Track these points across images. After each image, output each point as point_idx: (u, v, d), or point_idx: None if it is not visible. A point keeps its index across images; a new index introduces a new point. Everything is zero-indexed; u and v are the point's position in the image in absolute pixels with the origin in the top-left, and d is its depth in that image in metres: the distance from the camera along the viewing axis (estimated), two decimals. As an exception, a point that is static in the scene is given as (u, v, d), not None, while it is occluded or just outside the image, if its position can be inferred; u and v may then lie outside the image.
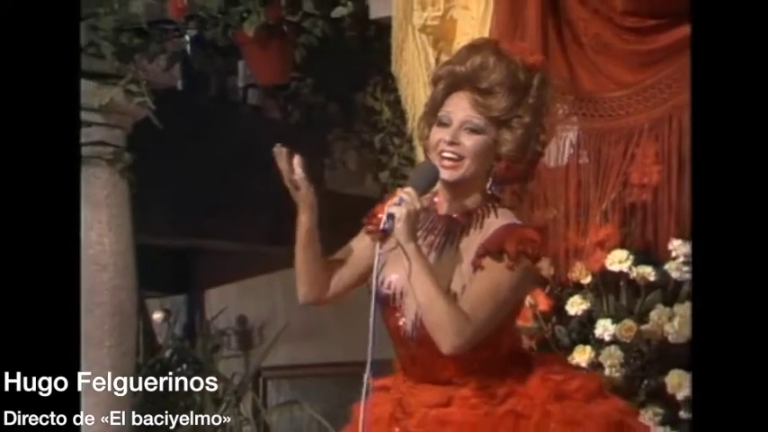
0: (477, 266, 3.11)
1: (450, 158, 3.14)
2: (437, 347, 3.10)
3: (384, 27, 4.94)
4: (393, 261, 3.14)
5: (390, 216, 3.02)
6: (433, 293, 3.05)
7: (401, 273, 3.13)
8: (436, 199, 3.25)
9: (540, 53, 3.48)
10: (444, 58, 4.57)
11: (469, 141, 3.15)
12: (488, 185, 3.19)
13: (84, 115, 5.83)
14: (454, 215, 3.21)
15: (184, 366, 6.99)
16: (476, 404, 3.16)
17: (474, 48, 3.28)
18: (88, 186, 5.88)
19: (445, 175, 3.15)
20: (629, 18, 4.36)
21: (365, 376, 3.10)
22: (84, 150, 5.84)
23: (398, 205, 3.03)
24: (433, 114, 3.21)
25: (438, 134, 3.17)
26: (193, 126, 6.34)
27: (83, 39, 5.68)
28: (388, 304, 3.21)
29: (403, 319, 3.20)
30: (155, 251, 6.73)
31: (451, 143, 3.14)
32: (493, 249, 3.10)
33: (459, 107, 3.16)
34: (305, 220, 3.30)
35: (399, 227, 3.02)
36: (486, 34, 4.42)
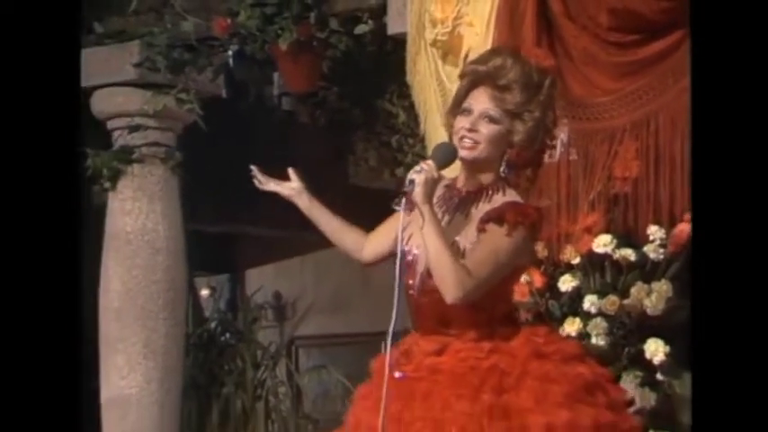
0: (480, 230, 3.17)
1: (468, 142, 3.20)
2: (439, 300, 3.14)
3: (400, 42, 4.91)
4: (417, 231, 3.17)
5: (411, 181, 3.09)
6: (441, 249, 3.09)
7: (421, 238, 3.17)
8: (458, 179, 3.31)
9: (553, 59, 3.49)
10: (449, 67, 4.58)
11: (486, 129, 3.20)
12: (502, 169, 3.24)
13: (140, 120, 5.87)
14: (469, 189, 3.26)
15: (227, 335, 7.01)
16: (464, 357, 3.18)
17: (496, 51, 3.41)
18: (144, 181, 5.90)
19: (463, 153, 3.21)
20: (612, 34, 4.32)
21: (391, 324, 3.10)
22: (142, 150, 5.87)
23: (419, 173, 3.10)
24: (457, 106, 3.27)
25: (461, 122, 3.23)
26: (235, 129, 6.34)
27: (140, 55, 5.71)
28: (406, 264, 3.24)
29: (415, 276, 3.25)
30: (202, 236, 6.73)
31: (470, 130, 3.20)
32: (495, 216, 3.15)
33: (480, 100, 3.22)
34: (301, 205, 3.47)
35: (418, 190, 3.08)
36: (488, 48, 4.39)
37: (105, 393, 5.83)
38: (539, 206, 3.45)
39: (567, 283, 4.28)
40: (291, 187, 3.48)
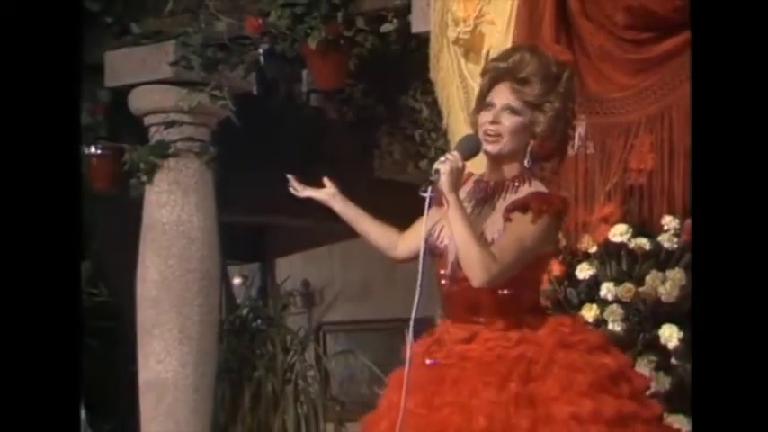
0: (506, 219, 3.16)
1: (491, 135, 3.19)
2: (469, 289, 3.14)
3: (423, 40, 4.89)
4: (448, 224, 3.18)
5: (437, 171, 3.09)
6: (467, 235, 3.09)
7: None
8: (485, 173, 3.30)
9: (570, 54, 3.48)
10: (471, 65, 4.56)
11: (508, 122, 3.20)
12: (526, 160, 3.22)
13: (176, 116, 5.87)
14: (496, 181, 3.26)
15: (259, 322, 6.99)
16: (492, 346, 3.17)
17: (515, 48, 3.43)
18: (179, 174, 5.90)
19: (488, 148, 3.21)
20: (628, 32, 4.30)
21: (414, 305, 3.12)
22: (177, 145, 5.87)
23: (444, 163, 3.10)
24: (481, 101, 3.27)
25: (484, 116, 3.22)
26: (266, 124, 6.33)
27: (176, 54, 5.71)
28: (438, 255, 3.26)
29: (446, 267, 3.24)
30: (234, 227, 6.72)
31: (493, 122, 3.20)
32: (520, 205, 3.15)
33: (501, 94, 3.21)
34: (336, 207, 3.47)
35: (444, 179, 3.09)
36: (508, 46, 4.37)
37: (143, 376, 5.85)
38: (563, 195, 3.44)
39: (584, 271, 4.26)
40: (326, 192, 3.49)
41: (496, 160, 3.24)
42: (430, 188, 3.10)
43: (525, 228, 3.13)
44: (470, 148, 3.20)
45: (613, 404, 3.12)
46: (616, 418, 3.11)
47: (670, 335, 4.08)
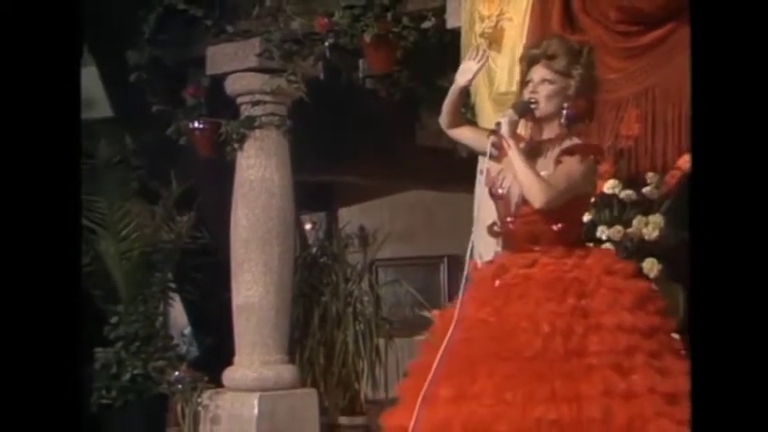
0: (557, 163, 3.26)
1: (532, 103, 3.31)
2: (531, 222, 3.22)
3: (456, 34, 4.88)
4: (506, 171, 3.29)
5: (498, 123, 3.25)
6: (525, 168, 3.19)
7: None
8: (532, 134, 3.40)
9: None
10: (494, 53, 4.52)
11: (544, 90, 3.31)
12: (561, 119, 3.32)
13: (260, 97, 5.89)
14: (541, 140, 3.35)
15: (325, 258, 7.03)
16: (551, 270, 3.22)
17: (544, 38, 3.54)
18: (263, 142, 5.93)
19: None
20: (619, 25, 4.27)
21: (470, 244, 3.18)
22: (261, 119, 5.90)
23: (504, 116, 3.26)
24: (522, 80, 3.38)
25: (526, 91, 3.35)
26: (330, 103, 6.34)
27: (260, 47, 5.73)
28: (501, 199, 3.34)
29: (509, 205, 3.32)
30: (306, 184, 6.76)
31: (532, 92, 3.31)
32: (568, 151, 3.26)
33: (537, 72, 3.33)
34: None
35: (504, 128, 3.23)
36: (523, 38, 4.36)
37: (236, 302, 5.93)
38: (599, 145, 3.58)
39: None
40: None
41: (539, 123, 3.34)
42: (493, 135, 3.25)
43: (573, 165, 3.23)
44: (523, 108, 3.31)
45: (645, 319, 3.18)
46: (647, 329, 3.17)
47: (651, 267, 4.09)
